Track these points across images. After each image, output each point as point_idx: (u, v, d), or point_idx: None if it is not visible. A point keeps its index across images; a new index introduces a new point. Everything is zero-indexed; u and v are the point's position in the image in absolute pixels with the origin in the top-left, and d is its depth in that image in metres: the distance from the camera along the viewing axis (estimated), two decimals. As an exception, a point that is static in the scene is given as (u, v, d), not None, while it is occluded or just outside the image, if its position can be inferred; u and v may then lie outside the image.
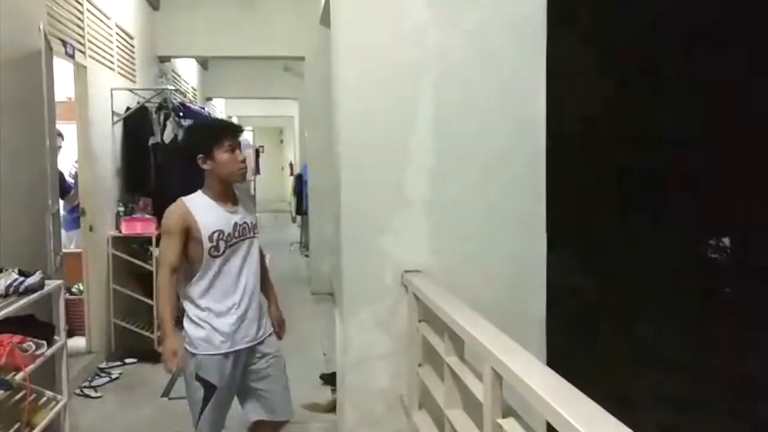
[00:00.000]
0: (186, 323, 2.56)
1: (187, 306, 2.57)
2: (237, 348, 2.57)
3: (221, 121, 2.65)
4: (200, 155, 2.50)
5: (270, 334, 2.77)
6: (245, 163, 2.57)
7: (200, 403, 2.53)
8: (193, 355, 2.51)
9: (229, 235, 2.52)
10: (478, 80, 3.35)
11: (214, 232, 2.48)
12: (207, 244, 2.47)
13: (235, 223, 2.55)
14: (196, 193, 2.57)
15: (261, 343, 2.69)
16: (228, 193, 2.60)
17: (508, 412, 2.00)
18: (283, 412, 2.83)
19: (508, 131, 3.37)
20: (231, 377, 2.58)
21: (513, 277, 3.37)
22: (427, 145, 3.30)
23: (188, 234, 2.47)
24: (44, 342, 2.89)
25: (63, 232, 4.58)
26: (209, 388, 2.52)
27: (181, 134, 5.52)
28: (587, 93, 8.21)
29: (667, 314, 7.95)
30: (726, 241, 11.86)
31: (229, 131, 2.57)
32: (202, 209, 2.51)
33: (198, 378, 2.51)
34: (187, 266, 2.53)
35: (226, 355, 2.54)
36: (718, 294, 10.10)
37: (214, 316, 2.52)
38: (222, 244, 2.50)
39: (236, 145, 2.56)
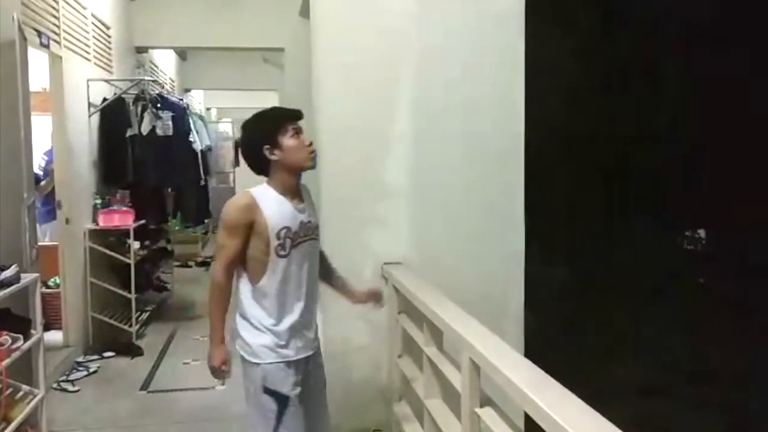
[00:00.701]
0: (244, 331, 2.31)
1: (246, 311, 2.32)
2: (300, 356, 2.35)
3: (278, 108, 2.40)
4: (266, 146, 2.28)
5: (319, 343, 2.54)
6: (313, 146, 2.38)
7: (273, 420, 2.27)
8: (257, 365, 2.27)
9: (295, 233, 2.30)
10: (458, 75, 3.39)
11: (281, 229, 2.26)
12: (274, 242, 2.25)
13: (302, 221, 2.34)
14: (262, 185, 2.33)
15: (317, 352, 2.47)
16: (296, 188, 2.38)
17: (485, 401, 2.02)
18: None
19: (488, 128, 3.42)
20: (301, 385, 2.33)
21: (491, 271, 3.42)
22: (408, 140, 3.33)
23: (251, 229, 2.24)
24: (20, 336, 2.87)
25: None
26: (281, 400, 2.27)
27: (159, 126, 5.47)
28: (568, 91, 8.28)
29: (645, 306, 8.06)
30: (701, 232, 12.04)
31: (289, 116, 2.37)
32: (270, 203, 2.28)
33: (267, 391, 2.27)
34: (246, 266, 2.30)
35: (289, 363, 2.30)
36: (694, 284, 10.27)
37: (276, 321, 2.29)
38: (288, 243, 2.28)
39: (300, 130, 2.36)
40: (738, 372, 6.22)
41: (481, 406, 2.00)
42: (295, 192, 2.36)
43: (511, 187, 3.45)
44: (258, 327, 2.29)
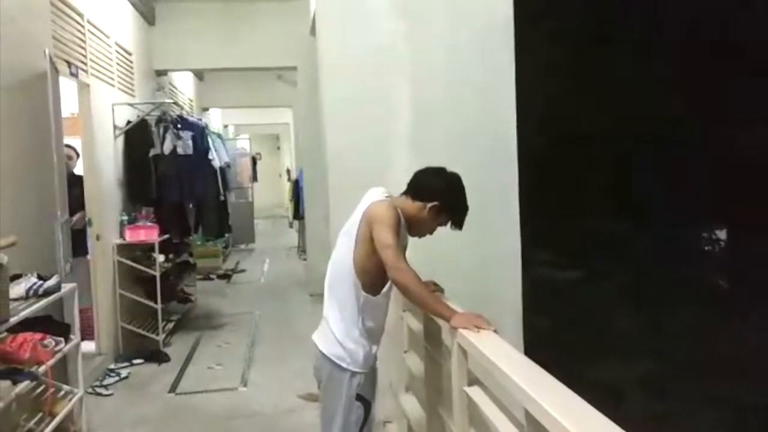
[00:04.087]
0: (347, 339, 2.35)
1: (353, 319, 2.36)
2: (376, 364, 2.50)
3: (466, 215, 2.49)
4: (435, 206, 2.40)
5: None
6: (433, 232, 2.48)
7: (359, 424, 2.38)
8: (354, 373, 2.36)
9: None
10: (452, 85, 3.68)
11: (404, 246, 2.39)
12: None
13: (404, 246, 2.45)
14: (399, 200, 2.42)
15: None
16: (406, 229, 2.45)
17: (473, 382, 2.27)
18: None
19: (482, 131, 3.69)
20: None
21: (489, 269, 3.67)
22: (406, 144, 3.61)
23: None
24: (62, 339, 3.17)
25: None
26: (368, 406, 2.40)
27: (180, 145, 5.80)
28: (561, 90, 8.49)
29: (663, 309, 8.15)
30: (720, 233, 11.98)
31: (460, 221, 2.47)
32: (402, 220, 2.38)
33: (359, 397, 2.37)
34: (368, 278, 2.34)
35: (374, 371, 2.47)
36: (712, 285, 10.27)
37: (376, 331, 2.43)
38: None
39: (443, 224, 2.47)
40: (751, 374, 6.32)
41: (470, 386, 2.25)
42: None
43: (506, 188, 3.71)
44: (363, 335, 2.36)
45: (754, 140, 8.83)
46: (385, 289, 2.38)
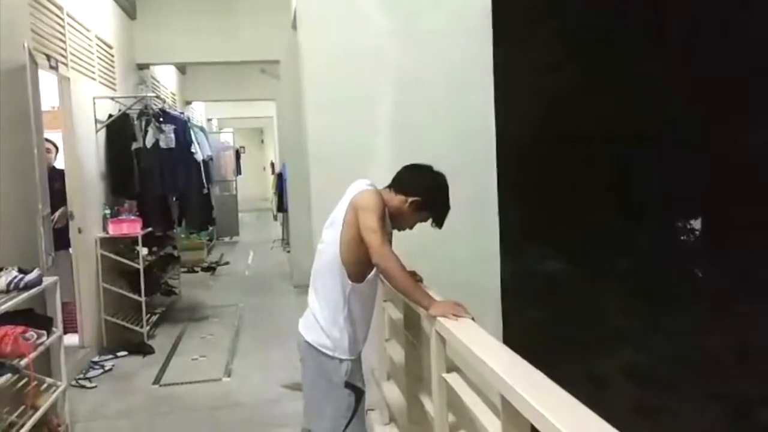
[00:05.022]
0: (332, 327, 2.38)
1: (339, 308, 2.38)
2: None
3: (447, 212, 2.50)
4: (417, 201, 2.42)
5: None
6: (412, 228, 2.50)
7: (350, 412, 2.39)
8: (341, 360, 2.38)
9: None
10: (433, 82, 3.71)
11: (389, 234, 2.40)
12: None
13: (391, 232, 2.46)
14: (382, 191, 2.42)
15: None
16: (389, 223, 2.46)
17: (452, 368, 2.33)
18: None
19: (462, 128, 3.74)
20: None
21: (470, 260, 3.72)
22: (388, 139, 3.65)
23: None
24: (44, 332, 3.17)
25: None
26: (359, 393, 2.43)
27: (162, 139, 5.79)
28: (540, 89, 8.58)
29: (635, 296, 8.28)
30: (695, 223, 12.12)
31: (441, 219, 2.48)
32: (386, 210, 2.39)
33: (348, 385, 2.39)
34: (353, 266, 2.36)
35: (360, 358, 2.48)
36: (689, 275, 10.45)
37: (362, 318, 2.45)
38: None
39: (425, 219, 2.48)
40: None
41: (448, 372, 2.30)
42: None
43: (486, 186, 3.77)
44: (348, 323, 2.38)
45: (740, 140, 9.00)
46: (370, 276, 2.40)
